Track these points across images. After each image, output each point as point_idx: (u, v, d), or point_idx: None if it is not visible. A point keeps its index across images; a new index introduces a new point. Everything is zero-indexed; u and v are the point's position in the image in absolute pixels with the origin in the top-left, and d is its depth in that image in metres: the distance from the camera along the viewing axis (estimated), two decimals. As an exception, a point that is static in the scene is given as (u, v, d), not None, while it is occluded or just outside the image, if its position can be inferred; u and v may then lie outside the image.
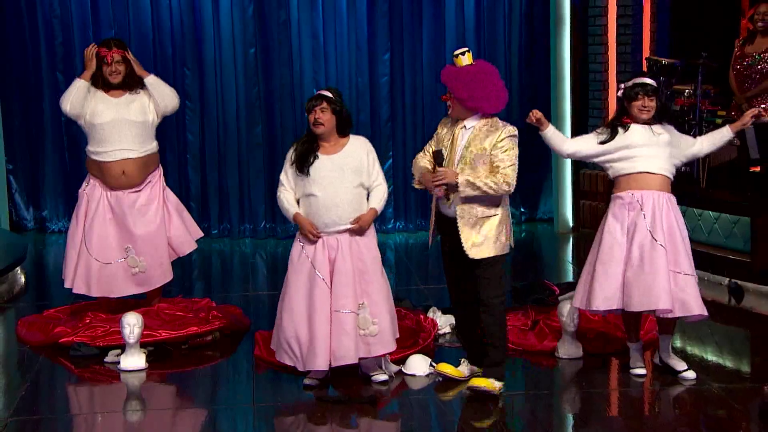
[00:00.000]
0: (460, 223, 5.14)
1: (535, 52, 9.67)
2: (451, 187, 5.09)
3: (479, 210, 5.16)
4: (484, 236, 5.15)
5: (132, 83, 6.19)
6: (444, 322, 6.35)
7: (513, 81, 9.66)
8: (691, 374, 5.45)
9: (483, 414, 5.11)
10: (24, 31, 9.17)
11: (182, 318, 6.27)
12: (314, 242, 5.31)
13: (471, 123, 5.18)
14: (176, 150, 9.29)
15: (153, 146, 6.28)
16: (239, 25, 9.22)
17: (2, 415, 5.09)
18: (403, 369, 5.61)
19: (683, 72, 8.51)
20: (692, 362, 5.79)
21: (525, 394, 5.42)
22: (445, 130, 5.29)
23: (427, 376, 5.56)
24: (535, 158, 9.74)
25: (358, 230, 5.31)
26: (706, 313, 5.39)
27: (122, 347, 5.81)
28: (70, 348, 5.99)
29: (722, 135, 5.57)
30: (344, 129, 5.36)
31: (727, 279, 7.29)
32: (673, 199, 5.46)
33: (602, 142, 5.50)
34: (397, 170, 9.42)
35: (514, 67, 9.66)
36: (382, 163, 9.39)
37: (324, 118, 5.27)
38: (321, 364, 5.26)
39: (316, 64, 9.31)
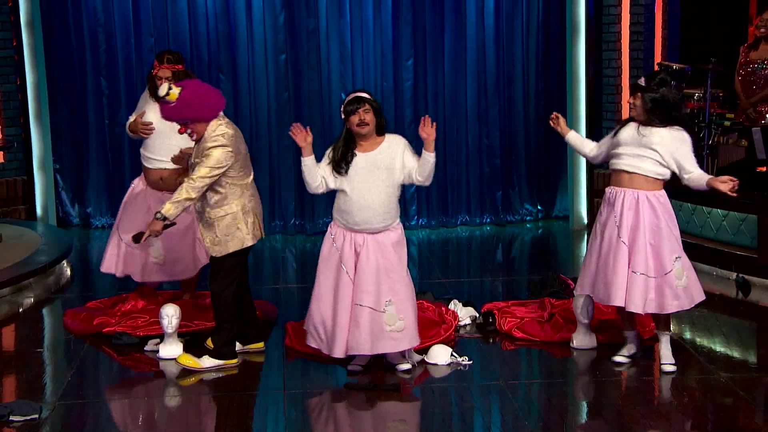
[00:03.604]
0: (199, 225, 5.48)
1: (552, 57, 9.64)
2: (169, 224, 5.30)
3: (212, 212, 5.36)
4: (222, 235, 5.36)
5: None
6: (464, 314, 6.36)
7: (530, 85, 9.64)
8: (669, 368, 5.42)
9: (501, 400, 5.12)
10: (70, 40, 9.24)
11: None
12: (341, 240, 5.35)
13: (204, 135, 5.34)
14: (212, 151, 9.32)
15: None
16: (271, 32, 9.25)
17: (51, 399, 5.15)
18: (425, 358, 5.63)
19: (693, 76, 8.46)
20: (701, 353, 5.78)
21: (541, 383, 5.42)
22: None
23: (449, 365, 5.57)
24: (552, 159, 9.73)
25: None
26: (640, 311, 5.34)
27: (161, 337, 5.86)
28: (113, 337, 6.05)
29: (701, 184, 5.30)
30: (382, 126, 5.37)
31: (735, 274, 7.25)
32: (656, 197, 5.33)
33: (613, 135, 5.52)
34: (420, 170, 9.41)
35: (532, 72, 9.63)
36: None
37: (368, 118, 5.28)
38: (338, 352, 5.31)
39: (343, 69, 9.33)
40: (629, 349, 5.59)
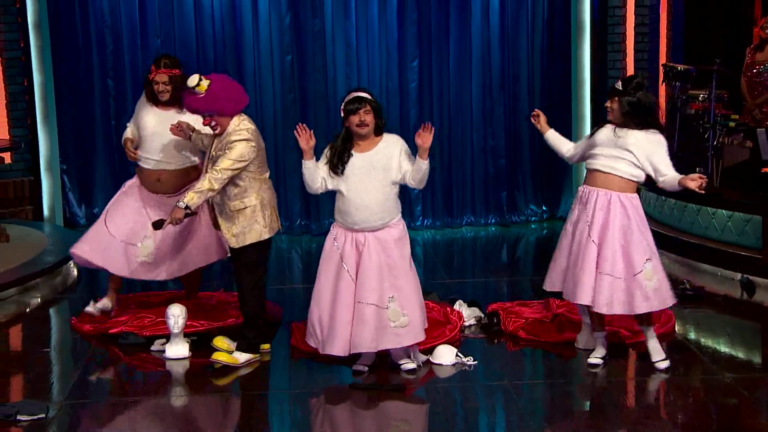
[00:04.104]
0: (219, 217, 5.55)
1: (557, 58, 9.63)
2: (190, 213, 5.40)
3: (232, 204, 5.47)
4: (241, 227, 5.48)
5: (182, 100, 6.00)
6: (469, 315, 6.36)
7: (535, 85, 9.63)
8: (663, 365, 5.43)
9: (505, 401, 5.12)
10: (78, 41, 9.26)
11: (222, 310, 6.33)
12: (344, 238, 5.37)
13: (227, 129, 5.46)
14: (218, 151, 9.34)
15: (193, 160, 6.16)
16: (276, 34, 9.26)
17: (57, 399, 5.17)
18: (430, 359, 5.63)
19: (698, 77, 8.46)
20: (705, 353, 5.78)
21: (545, 383, 5.43)
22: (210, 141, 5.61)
23: (453, 365, 5.57)
24: (557, 159, 9.70)
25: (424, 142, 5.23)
26: (613, 311, 5.37)
27: (167, 337, 5.87)
28: (119, 337, 6.07)
29: (674, 184, 5.32)
30: (380, 128, 5.38)
31: (740, 274, 7.24)
32: (628, 199, 5.36)
33: (590, 136, 5.55)
34: (425, 170, 9.42)
35: (537, 72, 9.62)
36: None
37: (368, 119, 5.30)
38: (338, 350, 5.32)
39: (348, 70, 9.33)
40: (601, 351, 5.60)
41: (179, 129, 5.89)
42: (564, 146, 5.78)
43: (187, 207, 5.32)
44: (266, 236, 5.55)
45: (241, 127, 5.42)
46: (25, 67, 9.16)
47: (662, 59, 9.46)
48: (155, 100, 6.10)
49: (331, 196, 5.57)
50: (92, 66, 9.32)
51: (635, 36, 9.38)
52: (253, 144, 5.42)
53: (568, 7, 9.44)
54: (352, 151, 5.34)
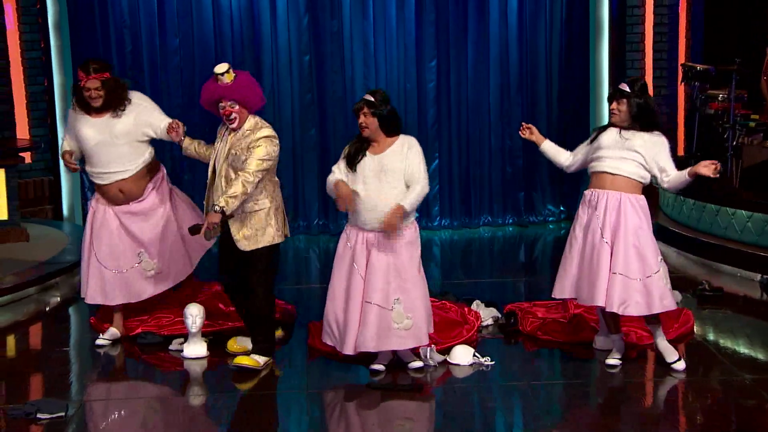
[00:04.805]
0: (229, 220, 5.41)
1: (575, 58, 9.60)
2: (225, 217, 5.32)
3: (247, 206, 5.41)
4: (253, 229, 5.43)
5: (115, 103, 5.82)
6: (486, 315, 6.35)
7: (553, 86, 9.60)
8: (680, 365, 5.41)
9: (523, 401, 5.11)
10: (97, 41, 9.30)
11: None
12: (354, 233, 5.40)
13: (243, 126, 5.46)
14: (236, 151, 9.36)
15: (146, 157, 5.93)
16: (295, 34, 9.28)
17: (77, 398, 5.20)
18: (447, 359, 5.63)
19: (717, 77, 8.42)
20: (724, 354, 5.74)
21: (563, 383, 5.41)
22: (219, 138, 5.58)
23: (471, 365, 5.57)
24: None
25: (387, 228, 5.24)
26: (627, 313, 5.33)
27: (185, 336, 5.89)
28: (138, 336, 6.09)
29: (683, 178, 5.34)
30: (390, 129, 5.38)
31: (759, 275, 7.19)
32: (637, 200, 5.36)
33: (590, 142, 5.53)
34: (442, 170, 9.42)
35: (555, 72, 9.60)
36: (429, 164, 9.37)
37: (367, 121, 5.32)
38: (348, 349, 5.35)
39: (366, 70, 9.34)
40: (619, 351, 5.58)
41: (175, 130, 5.72)
42: (562, 156, 5.75)
43: (224, 212, 5.27)
44: (278, 240, 5.53)
45: (260, 125, 5.45)
46: (46, 67, 9.22)
47: (681, 59, 9.41)
48: (87, 108, 5.84)
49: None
50: (112, 66, 9.34)
51: (654, 36, 9.34)
52: (277, 141, 5.44)
53: (587, 6, 9.41)
54: (367, 152, 5.36)
